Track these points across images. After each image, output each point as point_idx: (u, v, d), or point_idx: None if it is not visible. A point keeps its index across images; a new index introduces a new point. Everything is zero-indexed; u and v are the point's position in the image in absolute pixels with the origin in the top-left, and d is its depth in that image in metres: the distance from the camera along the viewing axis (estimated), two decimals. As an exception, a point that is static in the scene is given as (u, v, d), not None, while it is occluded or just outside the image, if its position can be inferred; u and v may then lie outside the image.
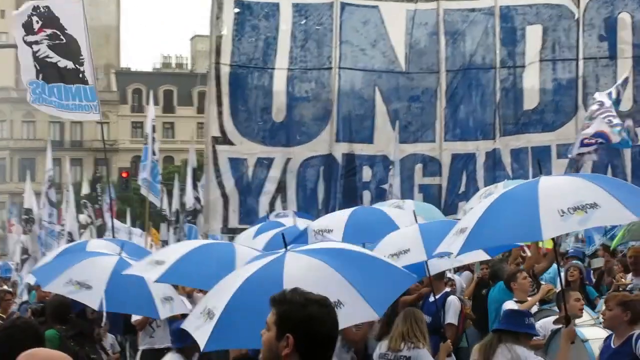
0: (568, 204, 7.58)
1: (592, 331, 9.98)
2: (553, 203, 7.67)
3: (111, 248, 12.31)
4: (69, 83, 18.83)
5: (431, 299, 12.28)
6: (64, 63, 18.84)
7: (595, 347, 9.41)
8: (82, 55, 19.00)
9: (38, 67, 18.78)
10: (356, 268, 7.50)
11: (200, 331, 6.82)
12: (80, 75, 18.97)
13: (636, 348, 8.49)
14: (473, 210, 8.77)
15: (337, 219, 12.85)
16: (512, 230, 8.10)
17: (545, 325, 10.77)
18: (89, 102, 18.89)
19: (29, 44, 18.83)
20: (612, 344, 8.83)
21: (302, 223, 14.53)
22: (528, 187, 8.35)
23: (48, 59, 18.78)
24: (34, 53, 18.78)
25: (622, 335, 8.74)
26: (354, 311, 7.03)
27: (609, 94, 17.08)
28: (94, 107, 19.07)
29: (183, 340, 9.75)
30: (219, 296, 7.05)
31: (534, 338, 9.79)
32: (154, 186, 28.09)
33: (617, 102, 16.95)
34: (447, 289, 13.40)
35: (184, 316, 10.23)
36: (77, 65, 18.93)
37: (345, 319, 6.23)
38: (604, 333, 9.58)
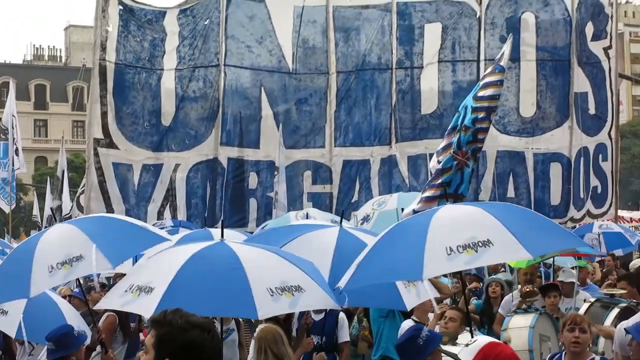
0: (459, 241, 7.39)
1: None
2: (442, 239, 7.50)
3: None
4: None
5: (316, 317, 11.27)
6: None
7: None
8: None
9: None
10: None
11: (138, 303, 7.15)
12: None
13: None
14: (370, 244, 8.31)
15: None
16: (395, 269, 7.87)
17: None
18: None
19: None
20: None
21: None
22: (421, 220, 8.17)
23: None
24: None
25: (582, 359, 8.40)
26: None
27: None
28: None
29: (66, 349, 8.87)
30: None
31: None
32: (3, 188, 26.03)
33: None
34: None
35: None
36: None
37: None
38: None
